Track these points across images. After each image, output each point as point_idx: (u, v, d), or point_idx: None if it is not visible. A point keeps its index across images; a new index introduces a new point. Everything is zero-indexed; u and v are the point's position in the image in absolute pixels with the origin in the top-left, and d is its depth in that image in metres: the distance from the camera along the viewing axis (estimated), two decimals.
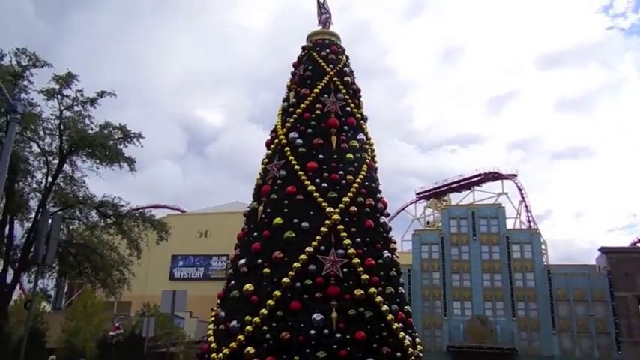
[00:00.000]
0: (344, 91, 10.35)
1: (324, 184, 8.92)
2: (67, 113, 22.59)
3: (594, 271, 46.82)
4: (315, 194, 8.78)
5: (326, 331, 7.52)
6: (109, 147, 22.98)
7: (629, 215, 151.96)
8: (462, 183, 67.17)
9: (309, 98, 10.03)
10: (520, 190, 65.12)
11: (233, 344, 7.66)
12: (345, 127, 9.87)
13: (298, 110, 9.95)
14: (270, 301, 7.79)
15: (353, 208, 8.79)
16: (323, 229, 8.39)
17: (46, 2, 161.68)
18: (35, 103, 22.03)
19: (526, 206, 64.51)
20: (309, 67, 10.61)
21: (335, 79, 10.38)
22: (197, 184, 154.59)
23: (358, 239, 8.52)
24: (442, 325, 46.75)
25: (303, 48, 11.20)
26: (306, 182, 8.93)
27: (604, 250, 46.62)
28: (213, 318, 8.76)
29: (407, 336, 8.27)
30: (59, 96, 22.19)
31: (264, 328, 7.63)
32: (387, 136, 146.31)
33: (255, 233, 8.91)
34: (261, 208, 9.14)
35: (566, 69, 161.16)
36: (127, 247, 24.59)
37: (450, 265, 48.48)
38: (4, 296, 21.48)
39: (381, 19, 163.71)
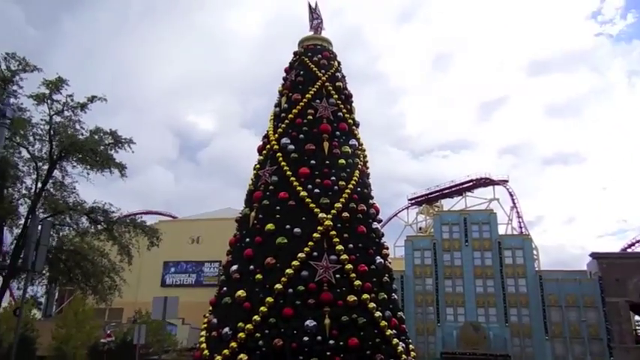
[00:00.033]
0: (336, 96, 10.36)
1: (317, 190, 8.89)
2: (57, 118, 22.39)
3: (585, 277, 46.93)
4: (308, 200, 8.75)
5: (319, 337, 7.47)
6: (100, 152, 22.79)
7: (620, 220, 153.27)
8: (453, 189, 67.33)
9: (301, 104, 10.03)
10: (511, 195, 65.45)
11: (225, 351, 7.59)
12: (337, 133, 9.86)
13: (290, 116, 9.94)
14: (262, 308, 7.73)
15: (345, 214, 8.77)
16: (315, 234, 8.36)
17: (36, 8, 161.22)
18: (25, 108, 21.84)
19: (517, 212, 64.84)
20: (301, 72, 10.62)
21: (327, 84, 10.39)
22: (189, 190, 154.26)
23: (350, 245, 8.50)
24: (435, 331, 46.65)
25: (295, 53, 11.21)
26: (298, 188, 8.91)
27: (595, 256, 46.77)
28: (205, 325, 8.69)
29: (400, 342, 8.23)
30: (49, 101, 22.00)
31: (257, 335, 7.57)
32: (378, 142, 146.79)
33: (248, 239, 8.86)
34: (253, 213, 9.10)
35: (556, 74, 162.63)
36: (118, 254, 24.38)
37: (442, 271, 48.46)
38: None
39: (372, 24, 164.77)
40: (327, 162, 9.33)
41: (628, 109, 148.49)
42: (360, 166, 9.80)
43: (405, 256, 51.26)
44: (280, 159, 9.40)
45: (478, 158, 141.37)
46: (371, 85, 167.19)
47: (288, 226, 8.53)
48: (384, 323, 8.05)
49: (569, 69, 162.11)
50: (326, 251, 8.28)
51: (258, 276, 8.15)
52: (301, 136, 9.61)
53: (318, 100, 10.10)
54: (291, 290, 7.86)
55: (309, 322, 7.53)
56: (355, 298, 7.95)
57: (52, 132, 22.10)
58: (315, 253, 8.21)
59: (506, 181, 65.97)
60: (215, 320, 8.32)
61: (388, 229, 67.93)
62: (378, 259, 8.87)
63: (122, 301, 31.04)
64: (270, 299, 7.79)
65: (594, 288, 45.04)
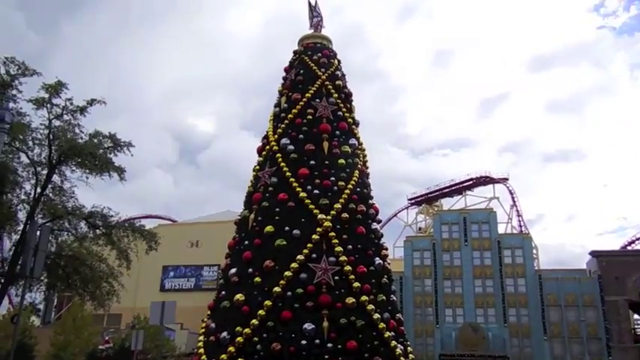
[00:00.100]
0: (335, 95, 10.31)
1: (316, 191, 8.86)
2: (57, 122, 22.31)
3: (585, 276, 46.91)
4: (307, 201, 8.72)
5: (317, 341, 7.43)
6: (99, 156, 22.71)
7: (620, 218, 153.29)
8: (453, 188, 67.24)
9: (301, 103, 9.99)
10: (511, 193, 65.37)
11: (223, 356, 7.54)
12: (337, 132, 9.82)
13: (290, 116, 9.90)
14: (261, 312, 7.70)
15: (344, 215, 8.74)
16: (314, 236, 8.33)
17: (36, 13, 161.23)
18: (24, 112, 21.75)
19: (517, 210, 64.78)
20: (301, 71, 10.57)
21: (327, 83, 10.34)
22: (189, 193, 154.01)
23: (350, 246, 8.46)
24: (434, 333, 46.59)
25: (295, 52, 11.16)
26: (298, 189, 8.87)
27: (594, 254, 46.76)
28: (203, 329, 8.65)
29: (399, 345, 8.20)
30: (48, 105, 21.93)
31: (255, 339, 7.53)
32: (378, 141, 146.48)
33: (246, 242, 8.83)
34: (252, 216, 9.06)
35: (557, 69, 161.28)
36: (117, 258, 24.29)
37: (441, 272, 48.41)
38: None
39: (372, 22, 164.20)
40: (327, 162, 9.29)
41: (630, 104, 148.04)
42: (359, 165, 9.76)
43: (404, 257, 51.22)
44: (280, 160, 9.35)
45: (478, 156, 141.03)
46: (371, 83, 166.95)
47: (287, 228, 8.49)
48: (382, 325, 8.01)
49: (571, 64, 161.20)
50: (325, 253, 8.24)
51: (257, 279, 8.11)
52: (301, 136, 9.56)
53: (317, 100, 10.05)
54: (289, 293, 7.82)
55: (308, 326, 7.49)
56: (354, 300, 7.91)
57: (51, 136, 22.03)
58: (314, 255, 8.17)
59: (507, 179, 65.99)
60: (213, 325, 8.28)
61: (388, 230, 67.91)
62: (377, 261, 8.84)
63: (121, 306, 30.94)
64: (268, 302, 7.75)
65: (594, 287, 45.05)
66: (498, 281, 47.03)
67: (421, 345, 44.95)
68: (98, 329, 42.93)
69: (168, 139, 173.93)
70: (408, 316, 43.39)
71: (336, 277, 8.06)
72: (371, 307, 8.03)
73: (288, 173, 9.10)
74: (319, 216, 8.53)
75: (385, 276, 8.94)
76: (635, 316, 47.06)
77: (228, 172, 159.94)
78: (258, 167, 9.91)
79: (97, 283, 23.80)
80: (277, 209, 8.77)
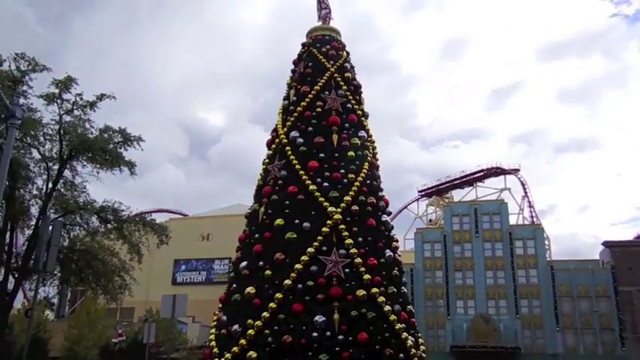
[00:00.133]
0: (345, 87, 10.26)
1: (326, 184, 8.83)
2: (67, 118, 22.47)
3: (598, 266, 46.59)
4: (317, 194, 8.70)
5: (328, 333, 7.44)
6: (109, 151, 22.85)
7: (633, 208, 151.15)
8: (464, 179, 66.83)
9: (310, 96, 9.95)
10: (523, 184, 64.80)
11: (235, 349, 7.58)
12: (346, 125, 9.78)
13: (299, 108, 9.86)
14: (272, 304, 7.71)
15: (355, 207, 8.71)
16: (324, 229, 8.31)
17: (46, 8, 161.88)
18: (35, 108, 21.94)
19: (529, 201, 64.24)
20: (310, 64, 10.52)
21: (335, 75, 10.28)
22: (199, 187, 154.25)
23: (360, 239, 8.44)
24: (445, 324, 46.53)
25: (303, 45, 11.11)
26: (308, 182, 8.85)
27: (608, 245, 46.43)
28: (215, 322, 8.69)
29: (410, 337, 8.18)
30: (59, 100, 22.07)
31: (266, 331, 7.55)
32: (389, 133, 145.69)
33: (257, 235, 8.83)
34: (262, 209, 9.06)
35: (569, 59, 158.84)
36: (128, 252, 24.50)
37: (452, 264, 48.27)
38: (5, 305, 21.38)
39: (382, 13, 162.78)
40: (336, 155, 9.26)
41: None
42: (369, 158, 9.72)
43: (414, 249, 51.12)
44: (289, 153, 9.33)
45: (489, 147, 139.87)
46: (381, 75, 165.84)
47: (297, 221, 8.48)
48: (393, 317, 8.00)
49: (584, 52, 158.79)
50: (335, 245, 8.23)
51: (268, 272, 8.12)
52: (310, 128, 9.53)
53: (327, 92, 10.00)
54: (300, 286, 7.82)
55: (319, 318, 7.50)
56: (364, 292, 7.90)
57: (62, 131, 22.18)
58: (324, 248, 8.16)
59: (518, 170, 65.43)
60: (224, 318, 8.31)
61: (398, 222, 67.65)
62: (388, 253, 8.81)
63: (133, 300, 31.24)
64: (279, 295, 7.76)
65: (607, 277, 44.71)
66: (510, 272, 46.80)
67: (432, 337, 44.94)
68: (111, 323, 43.35)
69: (178, 133, 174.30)
70: (419, 308, 43.32)
71: (347, 270, 8.05)
72: (382, 299, 8.02)
73: (297, 166, 9.07)
74: (329, 209, 8.51)
75: (396, 268, 8.92)
76: None
77: (239, 165, 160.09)
78: (267, 160, 9.90)
79: (110, 277, 24.02)
80: (287, 202, 8.76)
